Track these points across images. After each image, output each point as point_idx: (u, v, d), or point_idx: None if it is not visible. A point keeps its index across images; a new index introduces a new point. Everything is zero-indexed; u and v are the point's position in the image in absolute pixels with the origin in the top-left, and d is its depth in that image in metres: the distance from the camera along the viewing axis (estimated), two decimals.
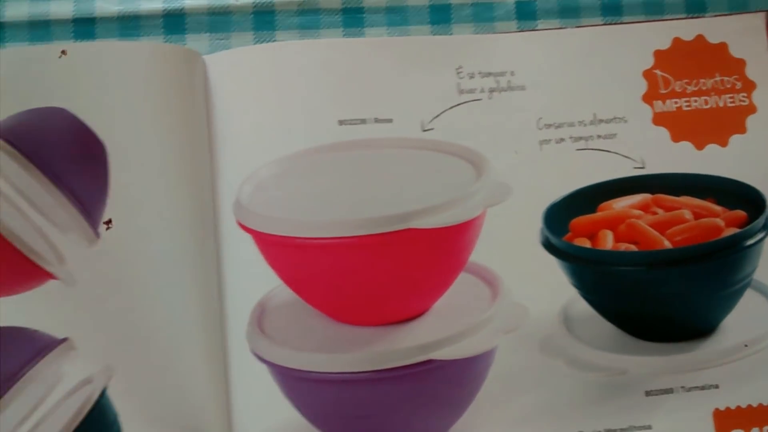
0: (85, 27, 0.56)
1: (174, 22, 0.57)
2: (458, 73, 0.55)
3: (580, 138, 0.54)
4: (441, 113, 0.54)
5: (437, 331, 0.49)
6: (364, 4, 0.57)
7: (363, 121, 0.54)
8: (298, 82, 0.54)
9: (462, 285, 0.52)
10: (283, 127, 0.53)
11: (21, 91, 0.51)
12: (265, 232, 0.49)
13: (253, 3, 0.57)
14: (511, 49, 0.56)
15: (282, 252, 0.49)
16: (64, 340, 0.49)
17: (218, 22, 0.57)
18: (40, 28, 0.56)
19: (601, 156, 0.54)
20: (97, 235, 0.49)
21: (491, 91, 0.55)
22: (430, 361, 0.48)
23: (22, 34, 0.56)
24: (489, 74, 0.55)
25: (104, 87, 0.51)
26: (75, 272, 0.49)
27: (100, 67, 0.51)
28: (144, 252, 0.50)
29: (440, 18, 0.58)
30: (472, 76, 0.55)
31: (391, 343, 0.49)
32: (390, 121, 0.54)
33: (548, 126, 0.54)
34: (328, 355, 0.48)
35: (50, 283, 0.49)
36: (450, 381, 0.49)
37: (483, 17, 0.58)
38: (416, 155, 0.53)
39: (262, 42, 0.57)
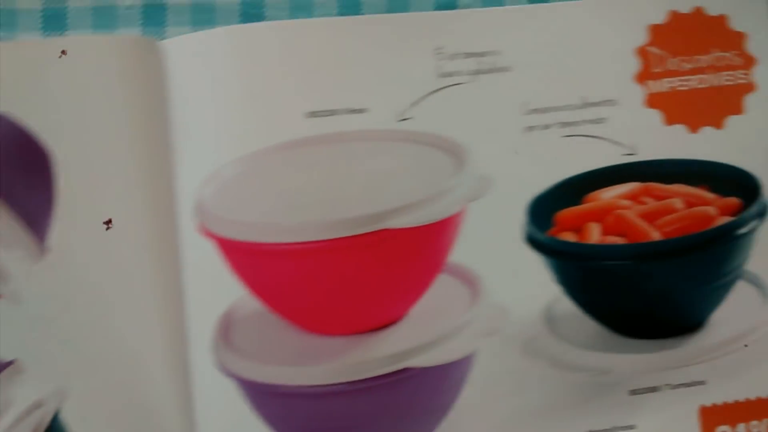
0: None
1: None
2: (438, 54, 0.50)
3: (568, 124, 0.50)
4: (419, 100, 0.50)
5: (414, 338, 0.47)
6: None
7: (333, 113, 0.49)
8: (261, 70, 0.49)
9: (440, 287, 0.49)
10: (245, 120, 0.48)
11: None
12: (228, 238, 0.45)
13: None
14: (496, 25, 0.51)
15: (244, 259, 0.46)
16: (11, 362, 0.45)
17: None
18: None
19: (589, 143, 0.51)
20: (43, 249, 0.45)
21: (474, 73, 0.50)
22: (407, 370, 0.46)
23: None
24: (471, 55, 0.50)
25: (47, 86, 0.46)
26: (21, 289, 0.45)
27: (39, 66, 0.46)
28: (97, 263, 0.46)
29: None
30: (452, 58, 0.50)
31: (366, 352, 0.46)
32: (363, 111, 0.49)
33: (534, 111, 0.50)
34: (299, 368, 0.46)
35: None
36: (428, 389, 0.47)
37: None
38: (392, 148, 0.49)
39: None
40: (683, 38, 0.52)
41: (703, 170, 0.51)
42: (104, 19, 0.51)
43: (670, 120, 0.51)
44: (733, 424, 0.50)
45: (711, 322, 0.51)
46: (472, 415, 0.49)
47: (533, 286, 0.50)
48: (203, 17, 0.51)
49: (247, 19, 0.51)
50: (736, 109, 0.52)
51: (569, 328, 0.50)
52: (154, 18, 0.51)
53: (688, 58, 0.52)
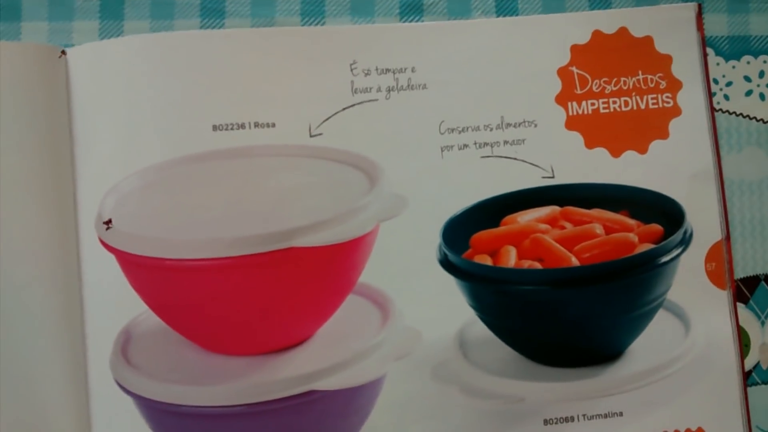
0: None
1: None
2: (352, 69, 0.49)
3: (486, 144, 0.49)
4: (332, 116, 0.49)
5: (321, 360, 0.46)
6: None
7: (241, 126, 0.48)
8: (166, 81, 0.48)
9: (350, 308, 0.48)
10: (149, 132, 0.47)
11: None
12: (128, 252, 0.44)
13: None
14: (412, 41, 0.50)
15: (146, 274, 0.45)
16: None
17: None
18: None
19: (507, 164, 0.49)
20: None
21: (389, 90, 0.49)
22: (312, 392, 0.45)
23: None
24: (387, 71, 0.49)
25: None
26: None
27: None
28: None
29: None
30: (367, 73, 0.49)
31: (270, 373, 0.45)
32: (272, 125, 0.48)
33: (451, 130, 0.49)
34: (199, 388, 0.45)
35: None
36: (334, 413, 0.46)
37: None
38: (302, 164, 0.48)
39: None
40: (607, 59, 0.51)
41: (624, 195, 0.50)
42: (61, 10, 0.50)
43: (591, 143, 0.50)
44: None
45: (630, 352, 0.50)
46: None
47: (446, 309, 0.48)
48: (163, 11, 0.50)
49: (207, 13, 0.50)
50: (661, 134, 0.51)
51: (482, 354, 0.49)
52: (112, 11, 0.50)
53: (611, 79, 0.51)
